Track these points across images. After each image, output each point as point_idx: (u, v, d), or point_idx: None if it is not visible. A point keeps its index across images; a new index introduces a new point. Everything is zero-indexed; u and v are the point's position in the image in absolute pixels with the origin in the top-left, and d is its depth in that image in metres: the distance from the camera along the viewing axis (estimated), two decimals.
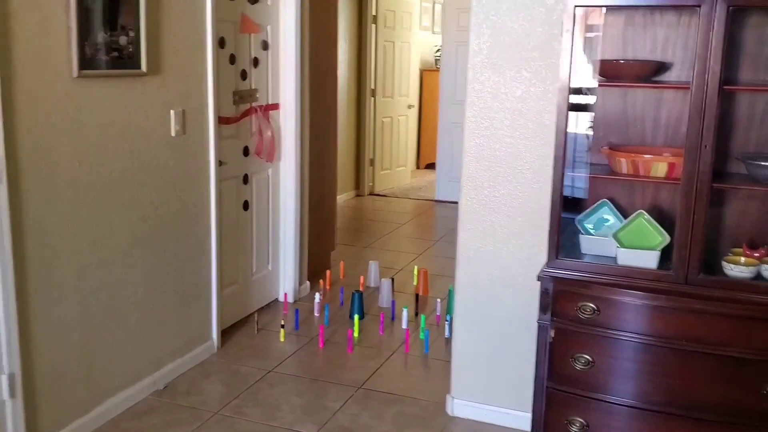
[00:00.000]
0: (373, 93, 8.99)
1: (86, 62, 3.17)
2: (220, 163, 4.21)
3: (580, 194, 3.18)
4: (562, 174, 2.90)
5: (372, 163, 9.19)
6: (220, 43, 4.25)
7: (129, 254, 3.54)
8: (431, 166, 10.05)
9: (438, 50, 10.40)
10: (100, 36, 3.23)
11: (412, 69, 9.78)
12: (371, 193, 9.23)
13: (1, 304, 2.88)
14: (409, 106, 9.83)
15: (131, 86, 3.46)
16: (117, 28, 3.32)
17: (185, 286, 3.98)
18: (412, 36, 9.64)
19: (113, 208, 3.41)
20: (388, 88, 9.23)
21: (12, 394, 2.97)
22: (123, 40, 3.35)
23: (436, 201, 8.84)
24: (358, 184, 9.12)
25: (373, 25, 8.77)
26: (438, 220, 8.11)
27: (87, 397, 3.38)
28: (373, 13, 8.73)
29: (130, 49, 3.40)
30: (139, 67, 3.46)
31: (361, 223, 7.81)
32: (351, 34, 8.55)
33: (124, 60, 3.38)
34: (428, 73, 10.43)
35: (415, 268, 5.70)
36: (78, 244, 3.24)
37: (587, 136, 3.20)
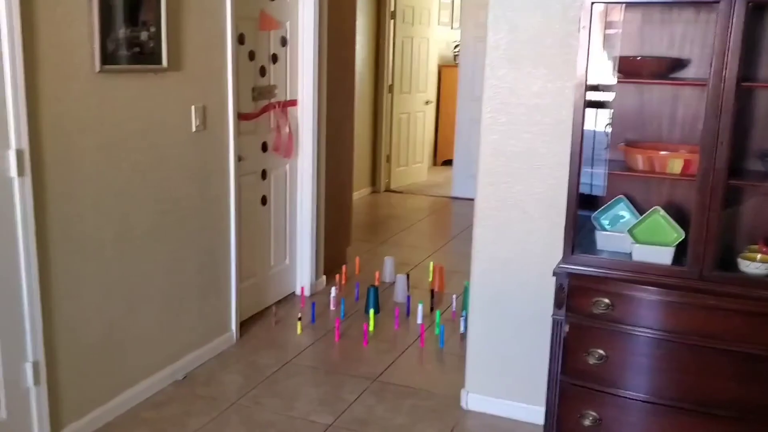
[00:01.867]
0: (391, 89, 9.01)
1: (108, 57, 3.22)
2: (239, 158, 4.26)
3: (596, 191, 3.19)
4: (579, 170, 2.91)
5: (388, 159, 9.22)
6: (240, 39, 4.29)
7: (150, 247, 3.59)
8: (448, 162, 10.07)
9: (457, 46, 10.41)
10: (122, 32, 3.27)
11: (430, 65, 9.80)
12: (387, 190, 9.27)
13: (25, 293, 2.94)
14: (427, 102, 9.85)
15: (152, 82, 3.51)
16: (138, 24, 3.36)
17: (205, 278, 4.04)
18: (430, 32, 9.65)
19: (134, 202, 3.47)
20: (405, 84, 9.26)
21: (36, 382, 3.03)
22: (144, 35, 3.40)
23: (453, 198, 8.85)
24: (374, 180, 9.15)
25: (392, 21, 8.80)
26: (454, 217, 8.13)
27: (108, 386, 3.44)
28: (392, 8, 8.76)
29: (151, 45, 3.45)
30: (160, 62, 3.51)
31: (377, 220, 7.85)
32: (369, 29, 8.58)
33: (145, 56, 3.43)
34: (447, 69, 10.44)
35: (431, 264, 5.73)
36: (100, 236, 3.29)
37: (604, 132, 3.21)
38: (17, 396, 2.99)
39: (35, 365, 3.02)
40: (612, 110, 3.18)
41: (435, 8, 9.78)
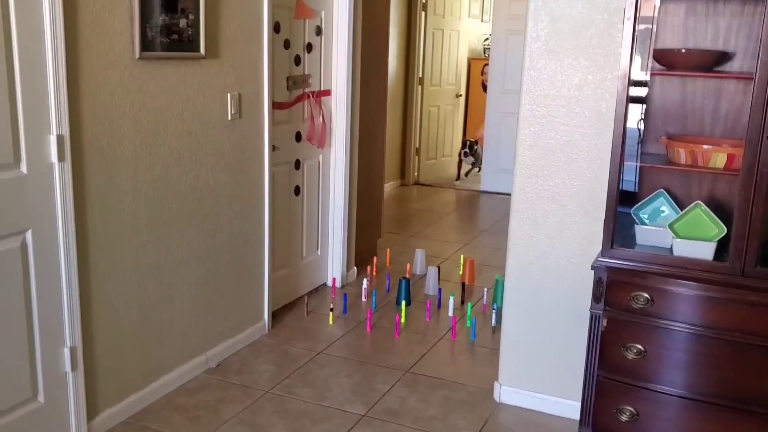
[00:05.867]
0: (421, 81, 8.98)
1: (147, 44, 3.23)
2: (273, 147, 4.26)
3: (627, 186, 3.15)
4: (620, 164, 2.88)
5: (418, 152, 9.19)
6: (275, 28, 4.29)
7: (185, 234, 3.61)
8: None
9: (486, 39, 10.35)
10: (161, 19, 3.28)
11: (460, 58, 9.75)
12: (416, 183, 9.24)
13: (64, 279, 2.96)
14: (458, 95, 9.81)
15: (190, 69, 3.51)
16: (177, 11, 3.37)
17: (239, 267, 4.05)
18: (461, 24, 9.60)
19: (171, 189, 3.48)
20: (435, 77, 9.22)
21: (73, 367, 3.05)
22: (183, 23, 3.41)
23: (481, 192, 8.80)
24: (403, 173, 9.13)
25: (423, 13, 8.76)
26: (483, 210, 8.09)
27: (143, 372, 3.46)
28: (423, 0, 8.72)
29: (190, 32, 3.46)
30: (198, 50, 3.52)
31: (406, 212, 7.83)
32: (400, 21, 8.56)
33: (183, 43, 3.44)
34: (476, 62, 10.39)
35: (462, 257, 5.71)
36: (137, 223, 3.31)
37: (644, 125, 3.18)
38: (55, 381, 3.02)
39: (73, 350, 3.04)
40: (644, 105, 3.14)
41: (466, 0, 9.73)
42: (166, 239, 3.49)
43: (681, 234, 2.91)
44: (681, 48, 3.02)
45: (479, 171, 9.12)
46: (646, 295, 2.86)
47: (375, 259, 5.60)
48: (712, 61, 2.94)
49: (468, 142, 9.31)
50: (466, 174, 9.35)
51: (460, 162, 9.43)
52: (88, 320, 3.12)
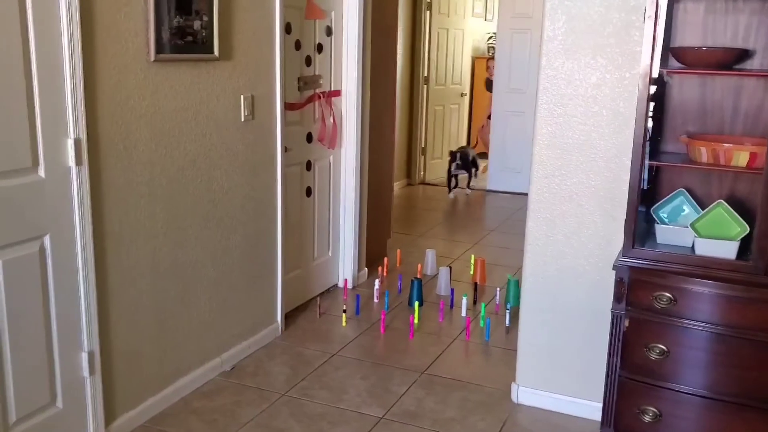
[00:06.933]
0: (426, 81, 8.96)
1: (162, 46, 3.21)
2: (285, 149, 4.24)
3: (645, 182, 3.13)
4: (641, 163, 2.86)
5: (423, 151, 9.17)
6: (287, 28, 4.27)
7: (200, 236, 3.59)
8: (482, 155, 9.96)
9: (490, 37, 10.34)
10: (176, 20, 3.26)
11: (465, 56, 9.72)
12: (422, 182, 9.22)
13: (82, 283, 2.94)
14: (462, 95, 9.78)
15: (204, 71, 3.49)
16: (191, 13, 3.35)
17: (252, 269, 4.03)
18: (465, 23, 9.58)
19: (186, 191, 3.46)
20: (440, 76, 9.20)
21: (91, 372, 3.03)
22: (197, 24, 3.39)
23: (488, 191, 8.77)
24: (409, 172, 9.10)
25: (428, 12, 8.74)
26: (491, 210, 8.06)
27: (159, 375, 3.44)
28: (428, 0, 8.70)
29: (204, 34, 3.44)
30: (212, 51, 3.50)
31: (414, 212, 7.81)
32: (406, 21, 8.53)
33: (197, 45, 3.42)
34: (480, 60, 10.37)
35: (472, 257, 5.69)
36: (153, 226, 3.29)
37: (662, 124, 3.15)
38: (73, 386, 3.00)
39: (90, 355, 3.02)
40: (671, 101, 3.12)
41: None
42: (181, 242, 3.47)
43: (703, 233, 2.89)
44: (701, 46, 2.99)
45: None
46: (669, 294, 2.84)
47: (386, 259, 5.58)
48: (733, 59, 2.92)
49: (459, 154, 8.47)
50: (468, 185, 8.76)
51: (449, 177, 8.58)
52: (105, 324, 3.10)
